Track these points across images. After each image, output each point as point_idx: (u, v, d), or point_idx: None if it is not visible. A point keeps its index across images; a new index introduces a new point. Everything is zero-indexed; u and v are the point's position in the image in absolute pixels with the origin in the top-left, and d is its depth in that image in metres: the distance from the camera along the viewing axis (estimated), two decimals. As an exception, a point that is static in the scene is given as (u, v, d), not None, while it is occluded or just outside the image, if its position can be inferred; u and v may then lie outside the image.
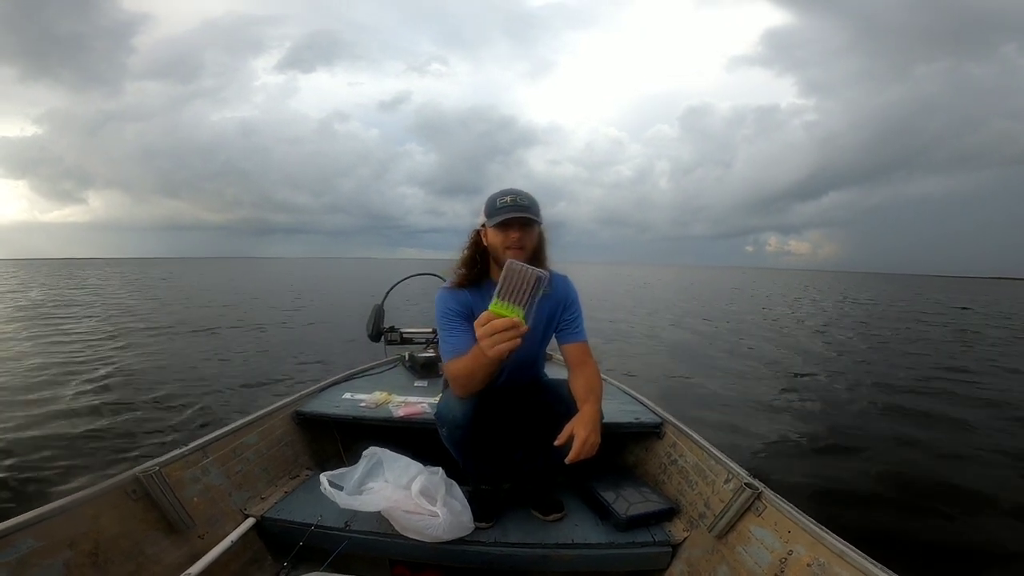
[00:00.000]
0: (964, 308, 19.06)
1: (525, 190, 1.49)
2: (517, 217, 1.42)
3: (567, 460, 1.28)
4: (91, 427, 3.66)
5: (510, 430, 1.77)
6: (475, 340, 1.21)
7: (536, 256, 1.51)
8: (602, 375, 2.63)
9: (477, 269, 1.55)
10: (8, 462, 2.97)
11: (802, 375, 6.17)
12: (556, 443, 1.30)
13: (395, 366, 2.94)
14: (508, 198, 1.44)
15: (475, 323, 1.14)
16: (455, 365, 1.41)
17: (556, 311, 1.63)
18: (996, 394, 5.38)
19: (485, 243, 1.52)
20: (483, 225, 1.51)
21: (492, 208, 1.45)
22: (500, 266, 1.23)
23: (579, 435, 1.29)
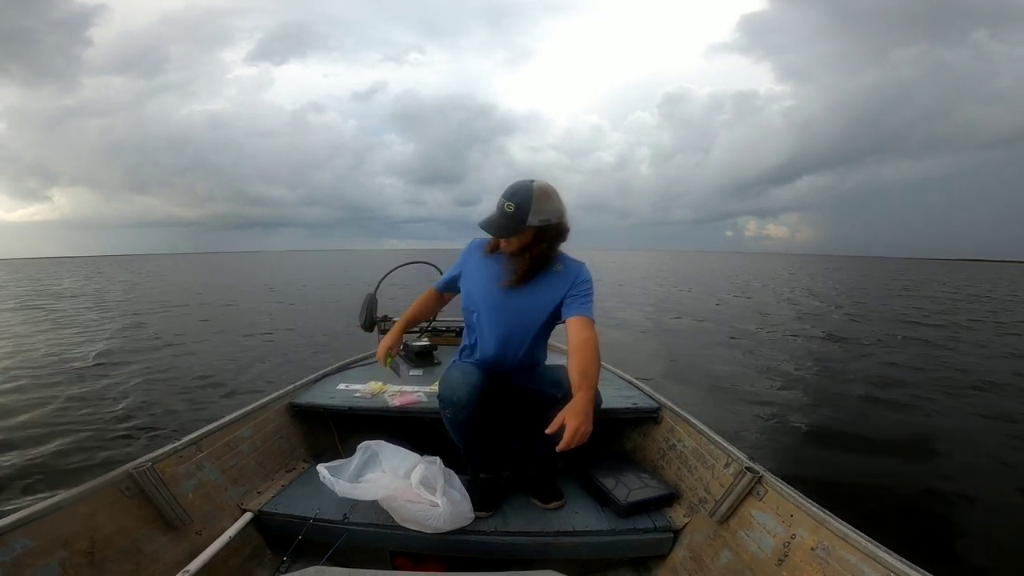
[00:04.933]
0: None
1: (531, 186, 1.51)
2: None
3: (558, 448, 1.28)
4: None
5: (510, 416, 1.77)
6: (451, 284, 1.81)
7: (544, 252, 1.59)
8: (599, 372, 2.62)
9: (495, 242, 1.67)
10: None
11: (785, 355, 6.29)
12: (547, 432, 1.30)
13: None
14: (503, 203, 1.52)
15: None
16: (421, 298, 1.89)
17: (563, 290, 1.63)
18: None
19: None
20: None
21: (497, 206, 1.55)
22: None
23: (570, 425, 1.27)
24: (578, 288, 1.63)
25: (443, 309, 1.99)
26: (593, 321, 1.58)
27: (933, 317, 10.82)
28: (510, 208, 1.51)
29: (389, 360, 1.83)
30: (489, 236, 1.65)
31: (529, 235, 1.54)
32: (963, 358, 6.37)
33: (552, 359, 1.85)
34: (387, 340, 1.83)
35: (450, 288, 1.86)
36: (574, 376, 1.42)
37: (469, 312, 1.74)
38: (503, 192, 1.54)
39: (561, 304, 1.64)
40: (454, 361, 1.81)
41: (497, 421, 1.73)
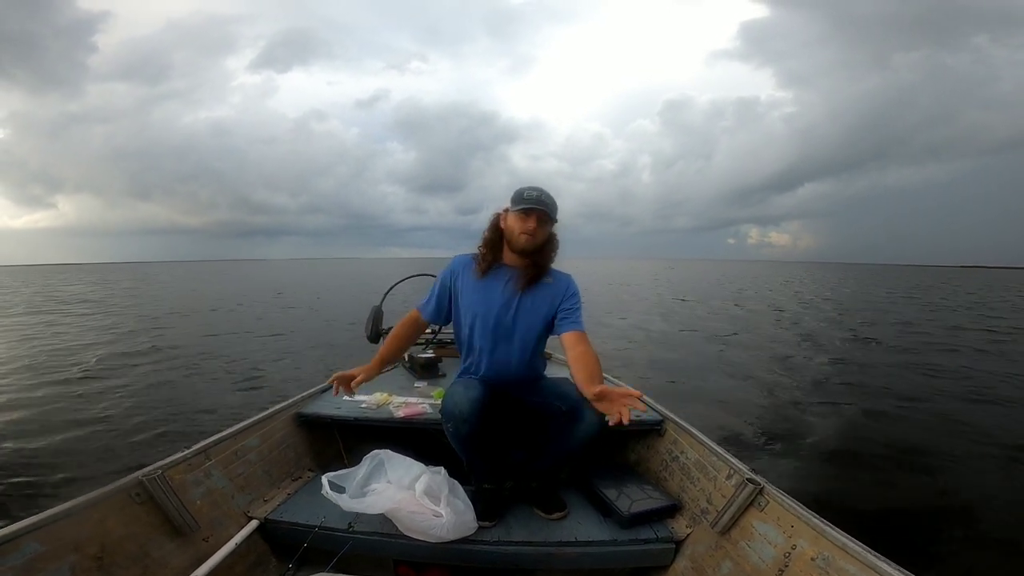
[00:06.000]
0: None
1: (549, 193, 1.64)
2: (538, 209, 1.61)
3: (619, 422, 1.29)
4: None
5: (514, 428, 1.79)
6: (439, 310, 1.77)
7: (543, 252, 1.70)
8: (603, 375, 2.65)
9: (496, 252, 1.73)
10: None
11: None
12: (612, 423, 1.32)
13: (395, 367, 2.92)
14: (535, 193, 1.61)
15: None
16: (403, 324, 1.82)
17: (555, 302, 1.72)
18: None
19: (503, 226, 1.70)
20: (505, 210, 1.69)
21: (519, 197, 1.62)
22: (512, 250, 1.68)
23: (622, 405, 1.32)
24: (569, 302, 1.72)
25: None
26: (586, 333, 1.68)
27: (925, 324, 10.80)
28: (547, 198, 1.63)
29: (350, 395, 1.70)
30: (473, 255, 1.76)
31: (551, 233, 1.71)
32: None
33: (551, 371, 1.89)
34: (360, 373, 1.67)
35: (439, 316, 1.80)
36: (585, 380, 1.50)
37: (469, 329, 1.75)
38: (528, 187, 1.64)
39: (555, 315, 1.72)
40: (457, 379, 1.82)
41: (500, 434, 1.75)
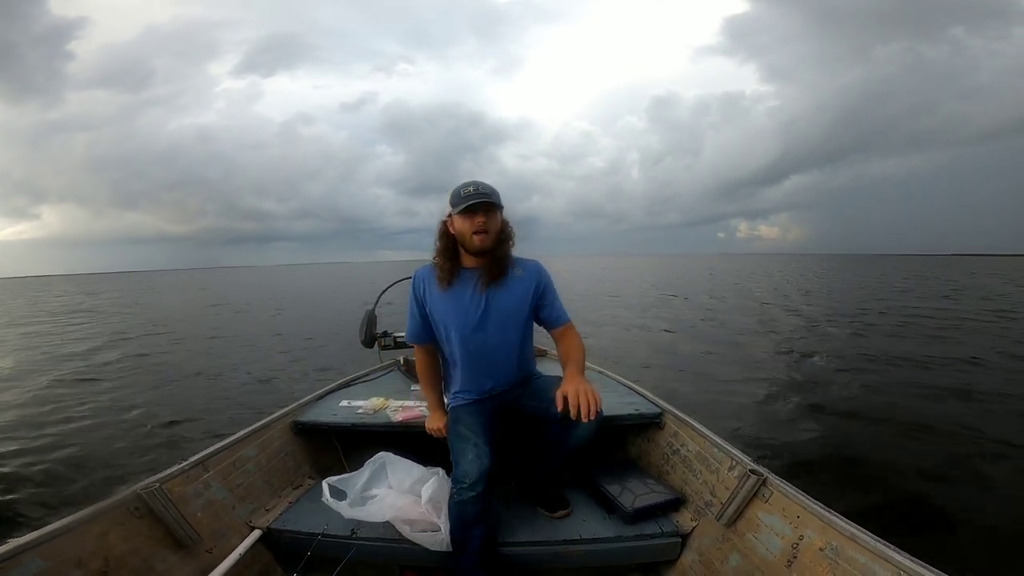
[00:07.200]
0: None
1: (485, 181, 1.59)
2: (481, 202, 1.53)
3: (571, 416, 1.33)
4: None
5: (511, 434, 1.76)
6: (425, 328, 1.70)
7: (501, 242, 1.62)
8: (599, 368, 2.64)
9: (454, 259, 1.65)
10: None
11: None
12: (559, 408, 1.35)
13: (391, 371, 2.91)
14: (471, 188, 1.55)
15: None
16: (419, 361, 1.81)
17: (531, 293, 1.68)
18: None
19: (452, 231, 1.62)
20: (449, 215, 1.62)
21: (457, 198, 1.57)
22: (469, 252, 1.60)
23: (568, 392, 1.34)
24: (548, 296, 1.70)
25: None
26: (571, 322, 1.71)
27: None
28: (485, 188, 1.56)
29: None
30: (432, 264, 1.67)
31: (503, 220, 1.63)
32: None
33: (543, 367, 1.88)
34: (438, 420, 1.77)
35: (428, 336, 1.74)
36: (562, 362, 1.61)
37: (448, 343, 1.70)
38: (462, 184, 1.57)
39: (536, 306, 1.69)
40: (452, 418, 1.71)
41: (499, 443, 1.72)
